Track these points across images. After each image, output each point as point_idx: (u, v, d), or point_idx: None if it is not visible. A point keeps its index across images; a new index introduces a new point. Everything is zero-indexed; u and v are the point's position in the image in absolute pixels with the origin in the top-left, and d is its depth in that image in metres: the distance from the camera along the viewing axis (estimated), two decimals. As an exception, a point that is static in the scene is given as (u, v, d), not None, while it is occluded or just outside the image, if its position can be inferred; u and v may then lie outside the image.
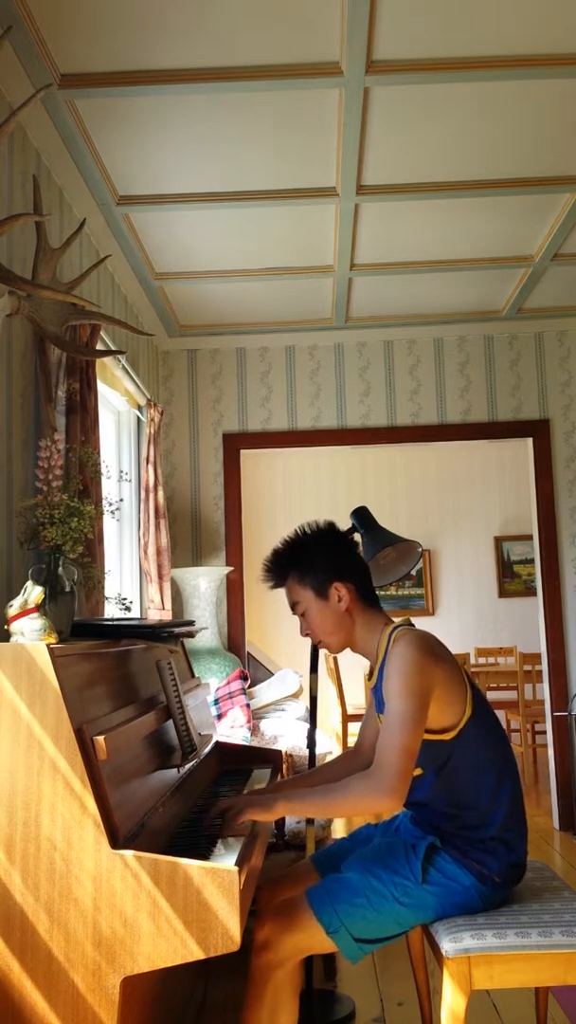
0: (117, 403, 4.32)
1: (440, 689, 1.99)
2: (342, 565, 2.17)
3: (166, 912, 1.52)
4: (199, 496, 5.06)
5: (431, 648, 2.01)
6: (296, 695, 4.22)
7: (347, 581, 2.15)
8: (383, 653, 2.10)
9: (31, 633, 1.80)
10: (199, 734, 2.46)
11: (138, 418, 4.52)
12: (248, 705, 3.82)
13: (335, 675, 5.75)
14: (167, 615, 4.23)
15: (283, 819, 3.00)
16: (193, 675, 3.00)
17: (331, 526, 2.25)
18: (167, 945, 1.52)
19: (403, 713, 1.92)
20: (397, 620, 2.16)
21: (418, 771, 2.01)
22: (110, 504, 2.87)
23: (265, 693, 4.18)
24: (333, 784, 1.96)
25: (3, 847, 1.56)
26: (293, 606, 2.20)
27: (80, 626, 2.24)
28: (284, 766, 2.87)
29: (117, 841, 1.56)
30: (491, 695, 6.91)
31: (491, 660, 7.45)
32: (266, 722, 3.89)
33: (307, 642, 2.65)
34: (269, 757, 2.85)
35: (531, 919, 1.94)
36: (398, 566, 2.77)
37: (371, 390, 5.12)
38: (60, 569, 2.26)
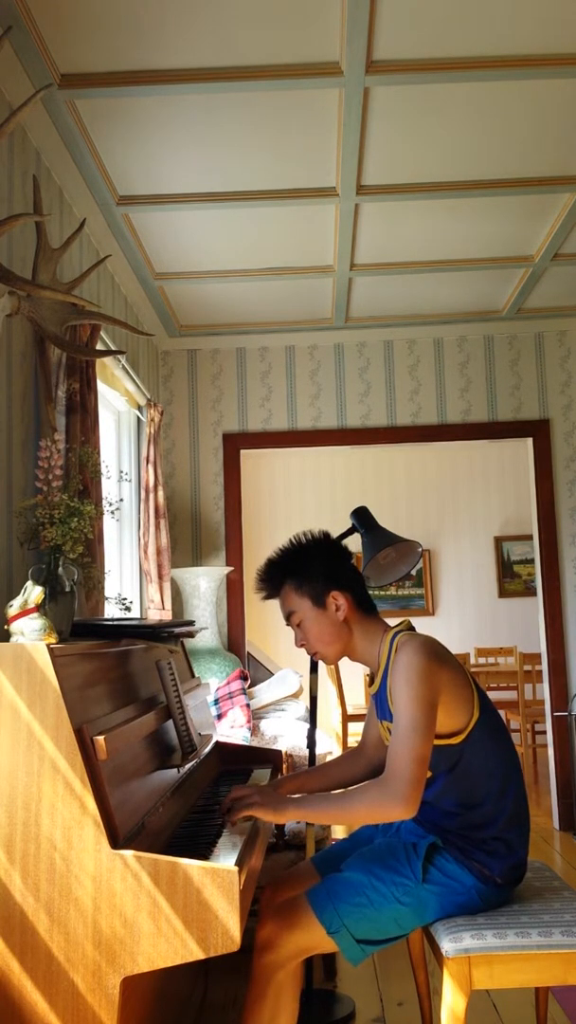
0: (117, 403, 4.32)
1: (447, 694, 1.97)
2: (339, 574, 2.14)
3: (166, 912, 1.52)
4: (199, 496, 5.06)
5: (436, 653, 1.99)
6: (296, 695, 4.22)
7: (344, 590, 2.13)
8: (385, 660, 2.08)
9: (31, 633, 1.80)
10: (199, 734, 2.46)
11: (138, 418, 4.52)
12: (248, 705, 3.82)
13: (335, 675, 5.75)
14: (167, 615, 4.23)
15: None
16: (193, 675, 3.00)
17: (326, 535, 2.23)
18: (167, 945, 1.52)
19: (413, 720, 1.90)
20: (395, 624, 2.15)
21: (427, 773, 2.00)
22: (110, 504, 2.87)
23: (265, 693, 4.18)
24: (345, 791, 1.95)
25: (3, 847, 1.56)
26: (288, 616, 2.16)
27: (80, 626, 2.24)
28: (284, 766, 2.87)
29: (117, 841, 1.56)
30: (491, 695, 6.91)
31: (491, 660, 7.45)
32: (266, 722, 3.89)
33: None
34: (269, 757, 2.85)
35: (531, 919, 1.95)
36: (398, 566, 2.77)
37: (371, 390, 5.12)
38: (60, 569, 2.26)
